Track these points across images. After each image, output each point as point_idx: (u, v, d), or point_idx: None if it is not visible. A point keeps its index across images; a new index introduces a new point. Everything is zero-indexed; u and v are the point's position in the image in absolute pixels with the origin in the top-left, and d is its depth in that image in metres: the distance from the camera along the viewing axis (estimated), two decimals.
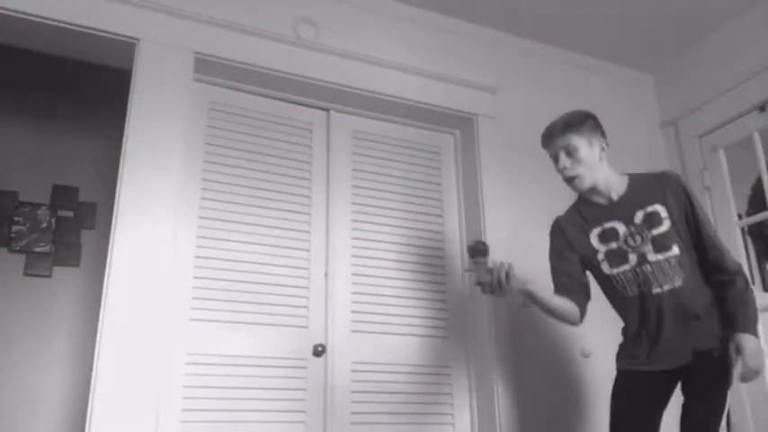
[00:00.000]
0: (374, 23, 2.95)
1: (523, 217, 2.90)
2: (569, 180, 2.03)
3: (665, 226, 1.94)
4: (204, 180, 2.52)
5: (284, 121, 2.76)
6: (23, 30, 2.36)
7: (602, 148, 2.03)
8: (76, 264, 3.18)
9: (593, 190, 2.04)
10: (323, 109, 2.86)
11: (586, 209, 2.09)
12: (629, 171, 2.10)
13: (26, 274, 3.08)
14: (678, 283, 1.92)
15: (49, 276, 3.11)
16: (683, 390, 1.94)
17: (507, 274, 1.87)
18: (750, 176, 3.17)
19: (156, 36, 2.45)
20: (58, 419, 2.95)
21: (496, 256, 2.80)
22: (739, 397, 2.90)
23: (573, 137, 2.00)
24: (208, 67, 2.57)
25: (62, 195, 3.24)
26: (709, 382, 1.87)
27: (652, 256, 1.94)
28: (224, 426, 2.28)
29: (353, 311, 2.62)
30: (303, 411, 2.42)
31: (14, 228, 3.11)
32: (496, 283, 1.88)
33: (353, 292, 2.65)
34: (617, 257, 1.99)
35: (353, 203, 2.77)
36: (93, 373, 2.05)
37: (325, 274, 2.62)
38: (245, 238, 2.51)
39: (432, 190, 2.96)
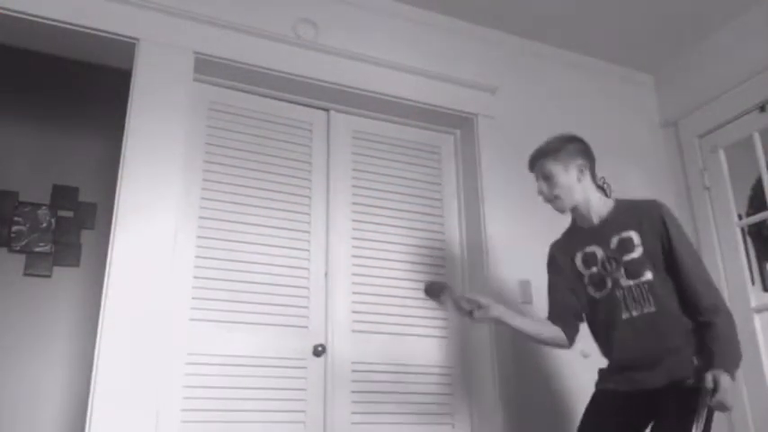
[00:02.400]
0: (374, 23, 2.95)
1: (523, 217, 2.89)
2: (549, 202, 2.10)
3: (636, 252, 1.95)
4: (204, 180, 2.52)
5: (284, 121, 2.76)
6: (23, 30, 2.36)
7: (581, 171, 2.06)
8: (76, 264, 3.18)
9: (577, 213, 2.10)
10: (323, 109, 2.86)
11: (573, 232, 2.16)
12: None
13: (26, 274, 3.08)
14: (650, 308, 1.91)
15: (49, 276, 3.11)
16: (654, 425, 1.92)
17: (472, 311, 1.99)
18: (750, 176, 3.17)
19: (156, 36, 2.45)
20: (58, 419, 2.95)
21: (498, 256, 2.83)
22: (739, 397, 2.90)
23: (548, 163, 2.06)
24: (208, 67, 2.57)
25: (62, 195, 3.24)
26: (677, 410, 1.83)
27: (624, 282, 1.96)
28: (224, 426, 2.28)
29: (353, 311, 2.62)
30: (303, 411, 2.42)
31: (14, 228, 3.11)
32: (468, 316, 2.00)
33: (353, 292, 2.65)
34: (598, 280, 2.03)
35: (353, 203, 2.77)
36: (94, 372, 2.05)
37: (326, 274, 2.62)
38: (245, 238, 2.51)
39: (432, 190, 2.97)
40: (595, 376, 2.13)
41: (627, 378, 1.96)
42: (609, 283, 1.99)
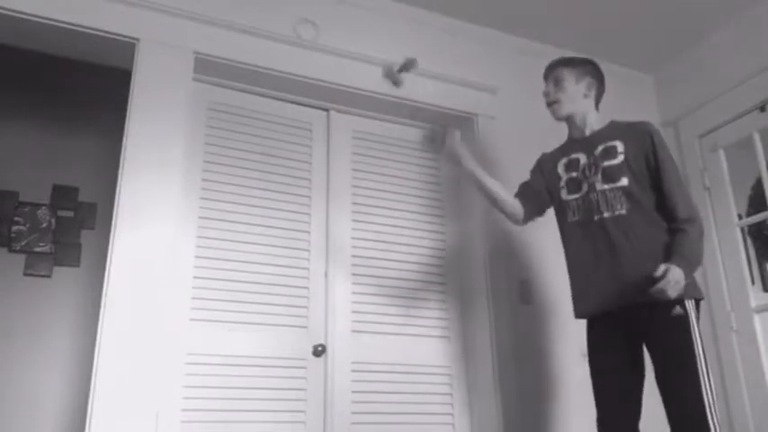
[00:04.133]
0: (374, 23, 2.95)
1: None
2: (549, 105, 2.25)
3: (617, 159, 2.09)
4: (204, 180, 2.52)
5: (284, 121, 2.76)
6: (23, 30, 2.36)
7: (589, 88, 2.22)
8: (76, 264, 3.18)
9: (572, 122, 2.24)
10: (323, 109, 2.86)
11: (565, 143, 2.30)
12: None
13: (26, 274, 3.08)
14: (621, 211, 2.04)
15: (49, 276, 3.12)
16: (649, 351, 1.98)
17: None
18: (750, 176, 3.17)
19: (156, 36, 2.45)
20: (58, 419, 2.95)
21: (498, 256, 2.83)
22: (740, 396, 2.90)
23: (564, 70, 2.24)
24: (208, 67, 2.57)
25: (62, 195, 3.25)
26: (670, 336, 1.90)
27: (599, 185, 2.10)
28: (224, 426, 2.28)
29: (353, 311, 2.62)
30: (303, 411, 2.42)
31: (14, 228, 3.11)
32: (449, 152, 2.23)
33: (353, 292, 2.65)
34: (574, 185, 2.18)
35: (353, 203, 2.77)
36: (94, 372, 2.05)
37: (325, 274, 2.62)
38: (245, 238, 2.51)
39: (432, 190, 2.96)
40: None
41: (601, 295, 2.04)
42: (584, 187, 2.15)
